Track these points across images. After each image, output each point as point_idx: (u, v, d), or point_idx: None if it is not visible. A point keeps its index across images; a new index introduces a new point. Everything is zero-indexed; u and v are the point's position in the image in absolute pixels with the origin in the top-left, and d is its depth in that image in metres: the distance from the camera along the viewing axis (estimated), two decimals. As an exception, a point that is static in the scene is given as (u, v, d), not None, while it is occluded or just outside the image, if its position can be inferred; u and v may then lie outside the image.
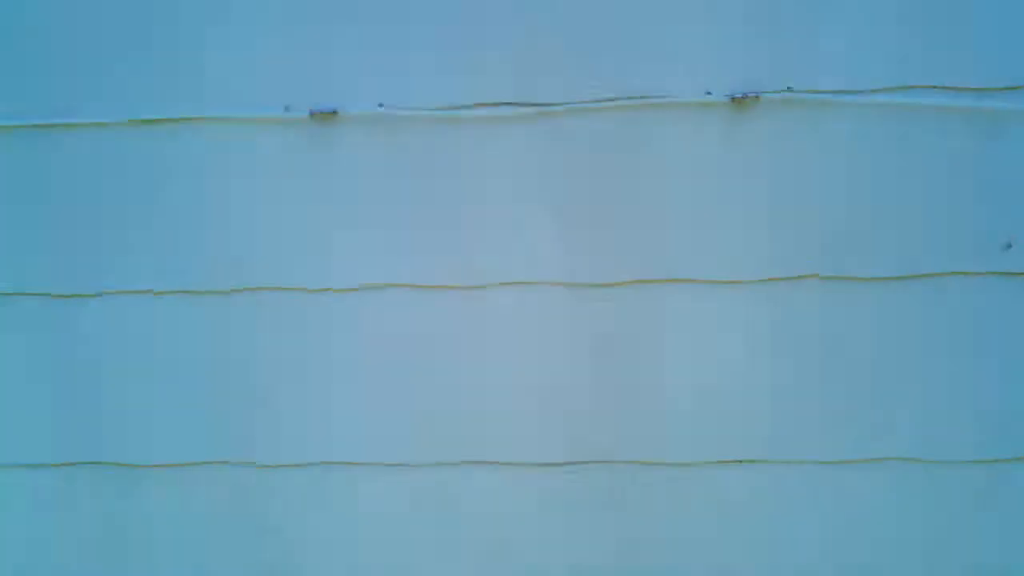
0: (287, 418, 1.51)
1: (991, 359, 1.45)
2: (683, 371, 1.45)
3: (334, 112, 1.47)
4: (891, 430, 1.46)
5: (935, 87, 1.40)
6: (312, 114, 1.48)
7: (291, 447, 1.52)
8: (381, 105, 1.46)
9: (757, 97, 1.42)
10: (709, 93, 1.42)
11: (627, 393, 1.46)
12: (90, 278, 1.53)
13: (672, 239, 1.44)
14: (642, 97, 1.42)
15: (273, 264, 1.50)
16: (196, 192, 1.51)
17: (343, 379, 1.51)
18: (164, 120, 1.51)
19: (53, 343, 1.54)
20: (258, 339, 1.51)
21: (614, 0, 1.42)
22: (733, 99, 1.42)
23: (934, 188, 1.42)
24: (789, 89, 1.41)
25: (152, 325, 1.52)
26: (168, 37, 1.50)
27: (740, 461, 1.47)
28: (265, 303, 1.50)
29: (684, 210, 1.43)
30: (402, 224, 1.48)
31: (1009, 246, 1.42)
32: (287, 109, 1.49)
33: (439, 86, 1.46)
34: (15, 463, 1.55)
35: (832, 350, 1.46)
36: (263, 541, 1.54)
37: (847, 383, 1.46)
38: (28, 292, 1.54)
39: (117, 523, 1.54)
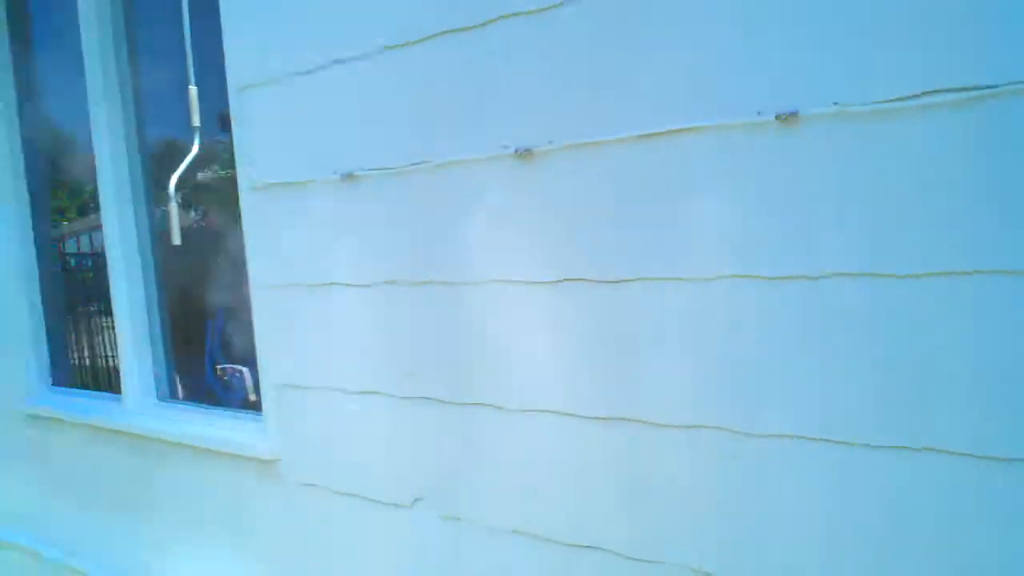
0: (760, 391, 1.69)
1: None
2: None
3: (795, 113, 1.57)
4: None
5: None
6: (777, 116, 1.60)
7: (765, 418, 1.70)
8: (835, 103, 1.52)
9: None
10: None
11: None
12: (628, 266, 1.88)
13: None
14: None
15: (745, 255, 1.68)
16: (692, 194, 1.75)
17: (801, 358, 1.63)
18: (663, 133, 1.77)
19: (596, 321, 1.93)
20: (734, 321, 1.72)
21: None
22: None
23: None
24: None
25: (663, 307, 1.82)
26: (650, 59, 1.75)
27: None
28: (737, 289, 1.70)
29: None
30: (853, 215, 1.53)
31: None
32: (759, 113, 1.63)
33: (889, 78, 1.47)
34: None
35: None
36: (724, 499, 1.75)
37: None
38: (578, 278, 1.95)
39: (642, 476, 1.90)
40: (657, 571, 1.89)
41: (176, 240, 3.09)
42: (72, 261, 4.34)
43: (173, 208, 3.10)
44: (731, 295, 1.72)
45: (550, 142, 1.96)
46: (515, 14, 1.99)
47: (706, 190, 1.73)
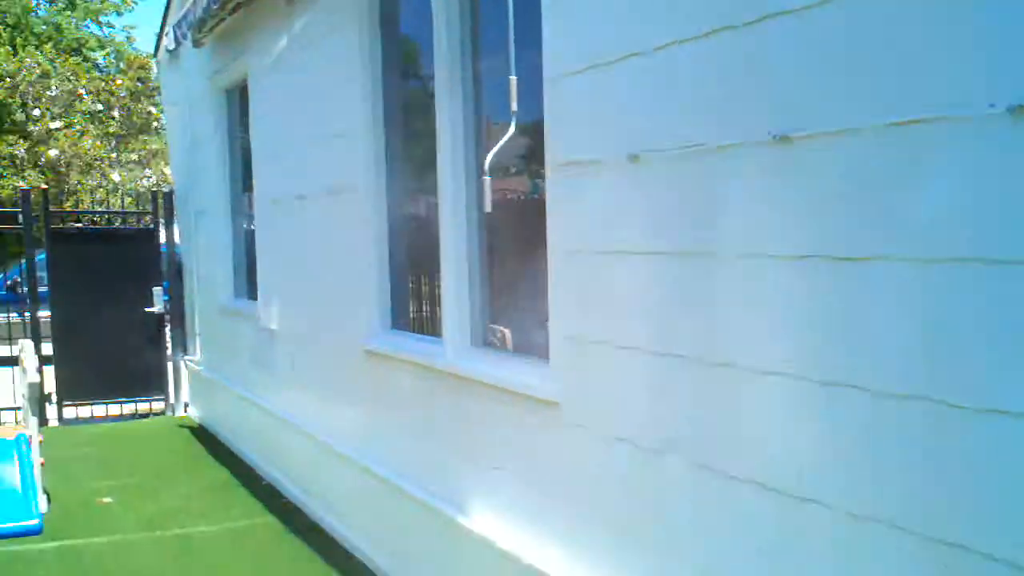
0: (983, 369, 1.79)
1: None
2: None
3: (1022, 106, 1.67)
4: None
5: None
6: (1008, 108, 1.69)
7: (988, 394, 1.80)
8: (1059, 95, 1.61)
9: None
10: None
11: None
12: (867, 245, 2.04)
13: None
14: None
15: (974, 238, 1.79)
16: (927, 180, 1.88)
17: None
18: (903, 122, 1.91)
19: (833, 294, 2.11)
20: (961, 300, 1.83)
21: None
22: None
23: None
24: None
25: (895, 284, 1.97)
26: (896, 55, 1.90)
27: None
28: (965, 270, 1.81)
29: None
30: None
31: None
32: (992, 105, 1.73)
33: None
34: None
35: None
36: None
37: None
38: (821, 255, 2.14)
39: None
40: (869, 528, 2.04)
41: (487, 208, 3.59)
42: (419, 224, 5.02)
43: (487, 181, 3.60)
44: (960, 276, 1.84)
45: (804, 129, 2.16)
46: (780, 12, 2.20)
47: (940, 177, 1.86)
